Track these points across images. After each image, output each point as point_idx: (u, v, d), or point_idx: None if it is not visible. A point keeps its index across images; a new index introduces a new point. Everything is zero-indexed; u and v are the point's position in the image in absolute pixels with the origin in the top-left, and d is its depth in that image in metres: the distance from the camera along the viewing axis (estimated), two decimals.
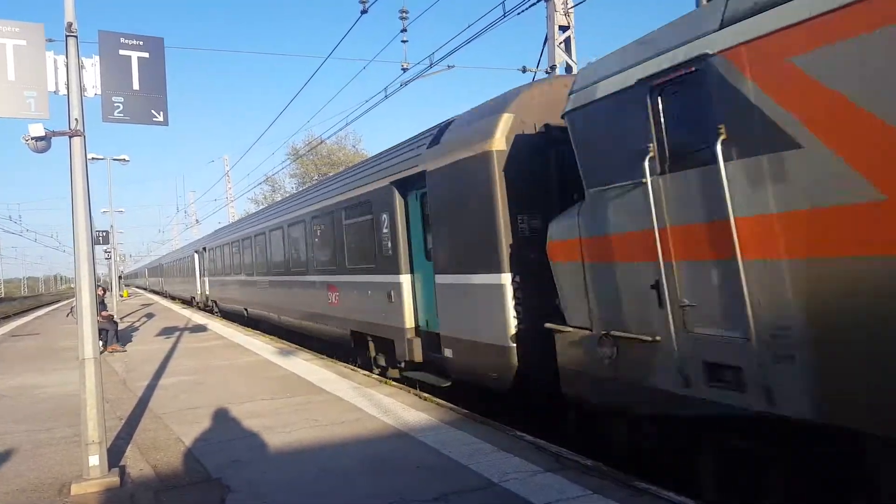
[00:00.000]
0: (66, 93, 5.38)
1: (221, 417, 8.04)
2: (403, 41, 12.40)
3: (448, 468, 5.61)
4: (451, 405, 7.95)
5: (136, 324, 25.05)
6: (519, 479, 5.26)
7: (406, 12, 11.91)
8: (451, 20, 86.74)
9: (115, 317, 19.55)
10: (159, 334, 19.87)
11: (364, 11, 11.22)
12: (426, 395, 8.59)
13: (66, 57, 5.38)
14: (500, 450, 6.05)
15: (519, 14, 10.29)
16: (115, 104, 5.34)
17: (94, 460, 5.64)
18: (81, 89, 5.42)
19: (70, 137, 5.35)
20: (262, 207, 35.52)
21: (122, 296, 63.14)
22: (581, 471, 5.41)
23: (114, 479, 5.66)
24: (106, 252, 33.60)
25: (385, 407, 8.01)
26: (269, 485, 5.46)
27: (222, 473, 5.81)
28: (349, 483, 5.39)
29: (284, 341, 16.30)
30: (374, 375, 10.37)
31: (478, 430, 6.78)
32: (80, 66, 5.41)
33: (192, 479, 5.77)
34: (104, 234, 25.54)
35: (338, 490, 5.24)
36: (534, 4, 10.58)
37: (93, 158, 26.94)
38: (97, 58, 5.43)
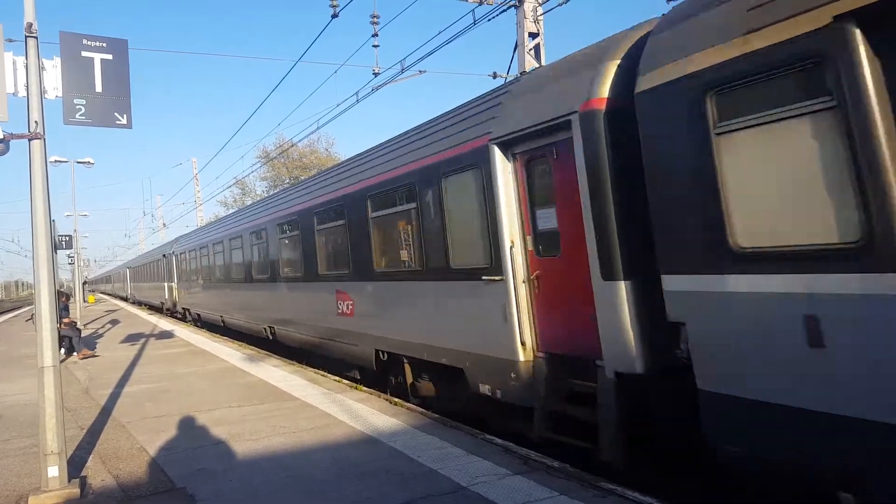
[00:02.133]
0: (25, 95, 5.26)
1: (187, 425, 7.91)
2: (375, 46, 12.42)
3: (417, 473, 5.60)
4: (422, 410, 7.95)
5: (101, 330, 24.50)
6: (488, 482, 5.28)
7: (377, 17, 11.93)
8: (422, 26, 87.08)
9: (77, 323, 19.10)
10: (124, 341, 19.46)
11: (335, 16, 11.19)
12: (397, 399, 8.57)
13: (26, 58, 5.25)
14: (470, 453, 6.07)
15: (489, 20, 10.37)
16: (77, 107, 5.24)
17: (53, 471, 5.49)
18: (42, 91, 5.29)
19: (30, 140, 5.23)
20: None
21: (87, 301, 61.79)
22: (548, 472, 5.46)
23: (74, 491, 5.53)
24: (69, 257, 32.84)
25: (355, 412, 7.97)
26: (235, 493, 5.39)
27: (187, 483, 5.72)
28: (317, 490, 5.34)
29: (253, 347, 16.09)
30: (345, 381, 10.30)
31: (448, 434, 6.79)
32: (41, 68, 5.29)
33: (155, 488, 5.66)
34: (67, 238, 24.94)
35: (305, 497, 5.20)
36: (504, 11, 10.70)
37: (56, 161, 26.34)
38: (58, 59, 5.32)
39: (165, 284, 31.85)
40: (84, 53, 5.23)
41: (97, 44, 5.26)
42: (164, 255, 31.94)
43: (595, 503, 4.78)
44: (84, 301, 63.23)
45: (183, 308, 27.77)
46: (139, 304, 45.85)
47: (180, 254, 27.80)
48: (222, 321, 20.23)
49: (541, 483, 5.21)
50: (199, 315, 24.57)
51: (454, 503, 4.91)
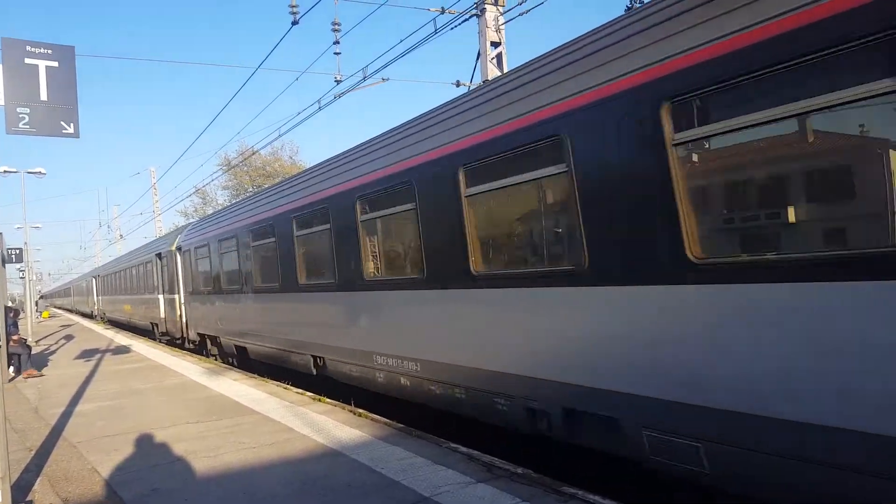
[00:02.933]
0: None
1: (142, 444, 7.66)
2: (336, 53, 12.32)
3: (380, 485, 5.52)
4: (387, 420, 7.86)
5: (54, 347, 23.67)
6: (451, 491, 5.24)
7: (338, 24, 11.84)
8: (384, 34, 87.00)
9: (28, 340, 18.43)
10: (78, 357, 18.83)
11: (295, 23, 11.08)
12: (361, 410, 8.46)
13: None
14: (434, 463, 6.01)
15: (452, 29, 10.40)
16: (21, 115, 5.03)
17: None
18: None
19: None
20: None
21: (41, 317, 59.56)
22: (512, 479, 5.44)
23: None
24: (20, 270, 31.73)
25: (318, 425, 7.83)
26: None
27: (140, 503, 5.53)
28: None
29: (213, 361, 15.73)
30: (308, 393, 10.11)
31: (412, 444, 6.72)
32: None
33: None
34: (18, 251, 24.10)
35: None
36: (466, 20, 10.74)
37: (5, 171, 25.49)
38: (0, 66, 5.12)
39: (161, 297, 22.05)
40: (28, 60, 5.04)
41: (42, 50, 5.07)
42: (158, 255, 22.24)
43: None
44: (37, 316, 61.07)
45: (200, 334, 17.73)
46: (115, 325, 34.99)
47: (196, 248, 17.22)
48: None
49: (504, 490, 5.19)
50: (241, 347, 14.11)
51: None
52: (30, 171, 25.90)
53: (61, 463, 7.08)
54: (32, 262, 41.29)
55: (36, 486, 6.29)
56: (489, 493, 5.16)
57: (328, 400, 9.39)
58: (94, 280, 49.20)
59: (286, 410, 8.87)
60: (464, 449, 6.45)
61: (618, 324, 4.96)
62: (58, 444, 8.02)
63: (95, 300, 47.12)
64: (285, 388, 10.70)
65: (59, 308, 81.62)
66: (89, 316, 51.73)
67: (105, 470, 6.64)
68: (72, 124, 5.13)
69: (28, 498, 5.90)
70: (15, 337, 15.75)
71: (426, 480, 5.54)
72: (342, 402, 9.21)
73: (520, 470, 5.67)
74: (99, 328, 34.48)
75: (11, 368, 15.10)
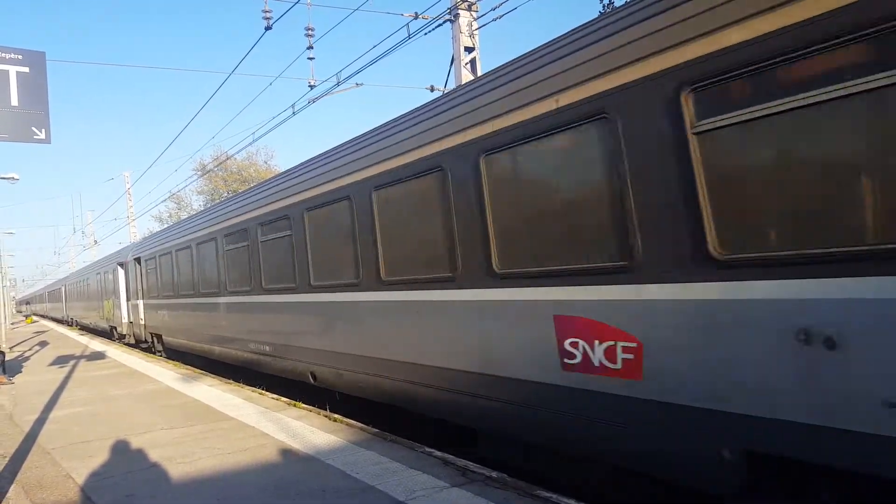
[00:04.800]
0: None
1: (117, 450, 7.60)
2: (310, 58, 12.34)
3: (354, 490, 5.55)
4: (362, 425, 7.88)
5: (28, 353, 23.30)
6: (425, 495, 5.28)
7: (312, 30, 11.85)
8: (357, 39, 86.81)
9: (1, 346, 18.12)
10: (53, 363, 18.56)
11: (268, 28, 11.07)
12: (336, 416, 8.47)
13: None
14: (409, 467, 6.05)
15: (425, 35, 10.47)
16: None
17: None
18: None
19: None
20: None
21: (25, 322, 58.63)
22: (486, 483, 5.50)
23: None
24: None
25: (293, 431, 7.83)
26: None
27: None
28: None
29: (188, 367, 15.62)
30: (283, 399, 10.11)
31: (387, 448, 6.75)
32: None
33: None
34: None
35: None
36: (439, 25, 10.82)
37: None
38: None
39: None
40: None
41: (12, 56, 5.03)
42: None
43: None
44: (22, 320, 59.97)
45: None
46: (80, 327, 38.92)
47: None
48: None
49: (479, 494, 5.24)
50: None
51: None
52: (2, 176, 25.45)
53: (35, 470, 7.01)
54: (6, 268, 40.55)
55: (10, 493, 6.22)
56: (464, 497, 5.21)
57: (303, 405, 9.39)
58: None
59: (261, 416, 8.85)
60: (438, 453, 6.50)
61: None
62: (32, 450, 7.93)
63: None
64: (261, 394, 10.67)
65: (35, 314, 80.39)
66: (61, 322, 51.68)
67: (80, 476, 6.59)
68: (43, 130, 5.09)
69: None
70: None
71: (401, 485, 5.58)
72: (318, 407, 9.22)
73: (494, 474, 5.73)
74: (73, 334, 33.99)
75: None
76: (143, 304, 20.91)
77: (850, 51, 3.46)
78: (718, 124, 4.04)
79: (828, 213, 3.65)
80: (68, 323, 44.57)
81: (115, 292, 24.60)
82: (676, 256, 4.30)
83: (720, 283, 4.05)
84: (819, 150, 3.73)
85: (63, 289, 48.42)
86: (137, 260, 21.19)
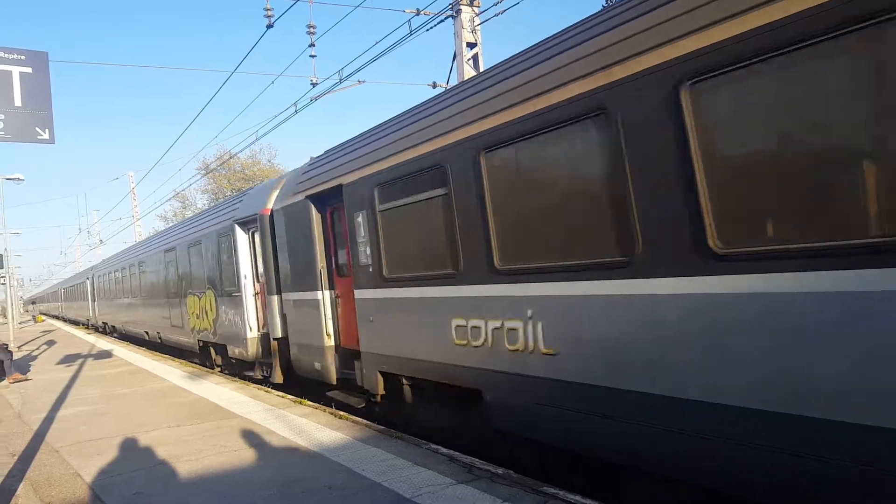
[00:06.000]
0: None
1: (124, 448, 7.64)
2: (312, 56, 12.32)
3: (361, 487, 5.56)
4: (367, 422, 7.89)
5: (36, 352, 23.43)
6: (432, 492, 5.28)
7: (313, 27, 11.84)
8: (359, 36, 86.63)
9: (9, 346, 18.24)
10: (61, 362, 18.66)
11: (270, 26, 11.07)
12: (342, 413, 8.49)
13: None
14: (415, 464, 6.06)
15: (427, 31, 10.44)
16: None
17: None
18: None
19: None
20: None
21: (35, 321, 59.06)
22: (492, 480, 5.49)
23: None
24: (0, 277, 31.32)
25: (299, 428, 7.85)
26: None
27: None
28: None
29: (195, 365, 15.67)
30: (289, 396, 10.12)
31: (393, 445, 6.76)
32: None
33: None
34: None
35: None
36: (441, 21, 10.79)
37: None
38: None
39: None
40: (1, 67, 5.02)
41: (15, 56, 5.04)
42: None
43: None
44: (31, 320, 60.34)
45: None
46: (120, 335, 41.48)
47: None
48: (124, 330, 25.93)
49: (485, 491, 5.24)
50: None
51: None
52: (8, 177, 25.60)
53: (44, 468, 7.07)
54: (13, 267, 40.76)
55: (19, 491, 6.27)
56: (470, 493, 5.21)
57: (309, 403, 9.41)
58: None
59: (267, 413, 8.88)
60: (444, 450, 6.50)
61: None
62: (41, 448, 7.99)
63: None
64: (267, 392, 10.69)
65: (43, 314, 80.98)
66: (57, 318, 57.03)
67: (88, 474, 6.63)
68: (46, 130, 5.10)
69: (11, 503, 5.89)
70: None
71: (407, 482, 5.58)
72: (323, 405, 9.24)
73: (500, 471, 5.73)
74: (80, 333, 34.16)
75: None
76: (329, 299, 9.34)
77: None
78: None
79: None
80: (100, 329, 34.18)
81: (226, 278, 12.88)
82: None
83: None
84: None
85: (89, 282, 36.59)
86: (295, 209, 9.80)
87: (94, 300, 34.89)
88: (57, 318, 63.05)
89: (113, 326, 29.71)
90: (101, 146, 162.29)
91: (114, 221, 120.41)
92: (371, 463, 6.19)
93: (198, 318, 14.85)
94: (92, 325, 36.76)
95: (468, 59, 10.92)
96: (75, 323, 46.12)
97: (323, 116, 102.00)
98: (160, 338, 19.26)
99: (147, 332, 21.02)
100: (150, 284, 19.90)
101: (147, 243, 22.60)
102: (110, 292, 28.63)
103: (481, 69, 10.91)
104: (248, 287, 11.92)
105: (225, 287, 12.75)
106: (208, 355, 14.97)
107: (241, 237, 12.11)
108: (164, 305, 17.99)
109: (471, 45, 11.02)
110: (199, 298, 14.56)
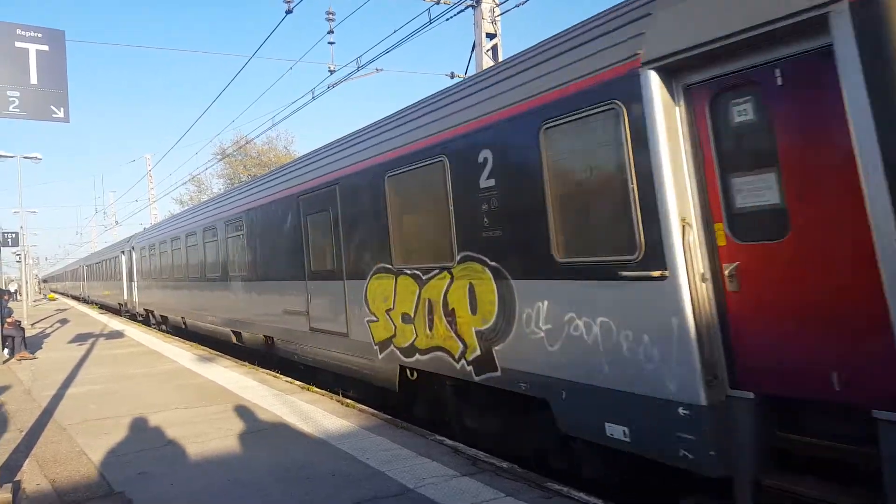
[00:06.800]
0: None
1: (131, 428, 7.69)
2: (330, 43, 12.29)
3: (364, 475, 5.56)
4: (373, 411, 7.89)
5: (49, 330, 23.71)
6: (435, 483, 5.27)
7: (332, 14, 11.81)
8: (378, 24, 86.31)
9: (22, 323, 18.46)
10: (72, 341, 18.86)
11: (289, 11, 11.03)
12: (349, 401, 8.49)
13: None
14: (419, 455, 6.05)
15: (447, 20, 10.37)
16: (11, 98, 5.02)
17: None
18: None
19: None
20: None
21: (47, 298, 59.77)
22: (496, 473, 5.47)
23: (5, 496, 5.33)
24: (16, 254, 31.72)
25: (305, 414, 7.87)
26: (175, 498, 5.26)
27: (127, 487, 5.56)
28: (260, 493, 5.25)
29: (205, 347, 15.77)
30: (297, 382, 10.15)
31: (398, 435, 6.75)
32: None
33: (92, 493, 5.49)
34: (13, 235, 24.06)
35: (248, 501, 5.11)
36: (461, 11, 10.71)
37: (1, 156, 25.42)
38: None
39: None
40: (18, 44, 5.02)
41: (32, 34, 5.05)
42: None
43: (540, 503, 4.81)
44: (43, 298, 61.06)
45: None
46: (94, 303, 40.29)
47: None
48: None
49: (488, 484, 5.22)
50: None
51: None
52: (26, 155, 25.82)
53: (51, 445, 7.13)
54: (29, 246, 41.27)
55: (24, 467, 6.33)
56: (473, 486, 5.19)
57: (316, 389, 9.43)
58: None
59: (275, 398, 8.90)
60: (449, 442, 6.48)
61: None
62: (48, 425, 8.07)
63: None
64: (275, 377, 10.73)
65: (55, 292, 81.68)
66: (77, 299, 52.27)
67: (94, 453, 6.68)
68: (62, 109, 5.12)
69: (16, 478, 5.94)
70: (10, 319, 15.80)
71: (410, 472, 5.57)
72: (330, 391, 9.25)
73: (504, 464, 5.70)
74: (94, 312, 34.52)
75: (6, 350, 15.16)
76: None
77: None
78: None
79: None
80: (139, 318, 25.51)
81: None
82: None
83: None
84: None
85: (124, 256, 27.27)
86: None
87: (131, 279, 26.22)
88: (79, 299, 52.41)
89: (162, 316, 21.47)
90: (118, 128, 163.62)
91: (130, 203, 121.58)
92: (375, 451, 6.19)
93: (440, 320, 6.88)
94: (126, 313, 28.10)
95: (487, 50, 10.84)
96: (103, 308, 36.03)
97: (340, 104, 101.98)
98: (293, 351, 10.62)
99: (267, 338, 11.73)
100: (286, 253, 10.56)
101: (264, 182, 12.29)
102: (164, 270, 19.76)
103: (500, 60, 10.83)
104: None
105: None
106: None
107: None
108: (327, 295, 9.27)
109: (490, 36, 10.93)
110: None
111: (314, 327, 9.59)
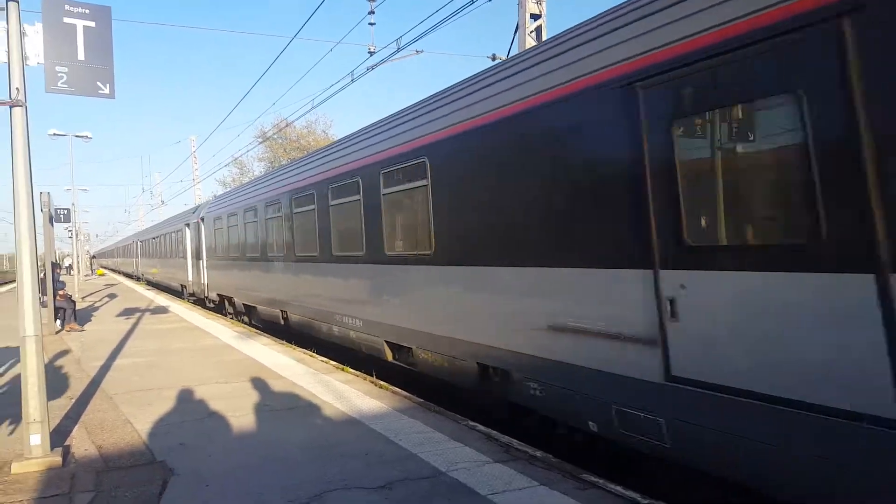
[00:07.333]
0: (6, 61, 5.15)
1: (173, 400, 7.88)
2: (371, 24, 12.21)
3: (398, 456, 5.56)
4: (407, 393, 7.90)
5: (98, 304, 24.53)
6: (467, 468, 5.23)
7: None
8: (420, 3, 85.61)
9: (73, 296, 19.13)
10: (120, 315, 19.48)
11: None
12: (383, 382, 8.53)
13: (7, 23, 5.12)
14: (452, 439, 6.01)
15: (490, 0, 10.16)
16: (59, 74, 5.12)
17: (35, 439, 5.53)
18: (23, 58, 5.18)
19: (11, 108, 5.13)
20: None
21: (95, 274, 61.97)
22: (530, 462, 5.40)
23: (56, 459, 5.54)
24: (68, 230, 32.85)
25: (340, 393, 7.93)
26: (212, 469, 5.36)
27: (167, 456, 5.70)
28: (294, 469, 5.30)
29: (245, 325, 16.06)
30: (332, 362, 10.24)
31: (431, 418, 6.74)
32: (22, 33, 5.17)
33: (136, 460, 5.65)
34: (66, 211, 24.90)
35: (282, 476, 5.16)
36: None
37: (54, 134, 26.24)
38: (40, 25, 5.20)
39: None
40: (66, 19, 5.11)
41: (80, 10, 5.13)
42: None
43: (575, 494, 4.70)
44: (92, 273, 63.25)
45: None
46: (153, 286, 35.99)
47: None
48: None
49: (521, 472, 5.15)
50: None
51: (431, 487, 4.86)
52: (77, 134, 26.60)
53: (98, 413, 7.37)
54: (80, 222, 42.67)
55: (73, 433, 6.57)
56: (506, 473, 5.13)
57: (351, 370, 9.50)
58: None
59: (311, 377, 9.00)
60: (482, 428, 6.43)
61: None
62: (96, 394, 8.35)
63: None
64: (311, 356, 10.85)
65: (105, 268, 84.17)
66: (130, 276, 51.77)
67: (138, 422, 6.88)
68: (108, 85, 5.19)
69: (66, 443, 6.18)
70: (61, 292, 16.38)
71: (443, 455, 5.55)
72: (365, 372, 9.31)
73: (538, 453, 5.62)
74: (140, 288, 35.56)
75: (58, 321, 15.75)
76: None
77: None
78: None
79: None
80: (209, 305, 21.03)
81: None
82: None
83: None
84: None
85: (189, 230, 23.27)
86: None
87: (198, 258, 21.23)
88: (131, 276, 50.04)
89: (246, 306, 16.32)
90: (164, 109, 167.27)
91: (175, 183, 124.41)
92: (408, 434, 6.18)
93: None
94: (191, 297, 23.39)
95: (531, 31, 10.60)
96: (163, 289, 31.36)
97: (378, 87, 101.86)
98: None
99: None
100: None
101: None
102: (252, 246, 14.95)
103: (543, 40, 10.58)
104: None
105: None
106: None
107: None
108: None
109: (535, 17, 10.69)
110: None
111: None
